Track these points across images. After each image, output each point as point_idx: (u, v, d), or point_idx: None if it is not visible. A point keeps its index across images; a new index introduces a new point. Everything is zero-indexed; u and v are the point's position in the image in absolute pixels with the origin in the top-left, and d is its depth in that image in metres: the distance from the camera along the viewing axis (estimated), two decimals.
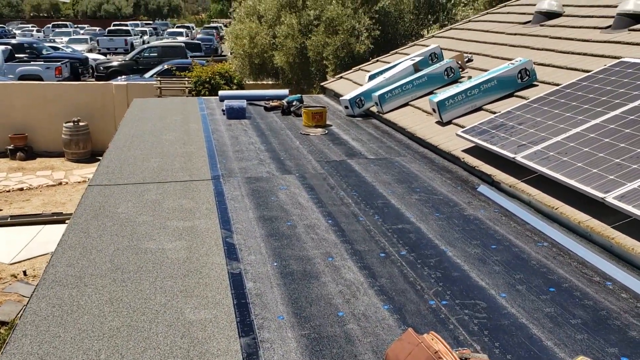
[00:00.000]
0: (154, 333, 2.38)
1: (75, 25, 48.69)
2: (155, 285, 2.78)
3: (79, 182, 11.70)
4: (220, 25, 49.26)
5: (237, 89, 12.34)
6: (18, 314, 6.56)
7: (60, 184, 11.64)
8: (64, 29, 40.93)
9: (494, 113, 5.19)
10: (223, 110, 7.07)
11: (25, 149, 13.18)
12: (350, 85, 8.43)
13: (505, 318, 2.50)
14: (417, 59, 7.09)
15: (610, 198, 3.14)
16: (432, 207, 3.85)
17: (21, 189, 11.22)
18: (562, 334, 2.38)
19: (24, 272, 7.52)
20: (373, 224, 3.58)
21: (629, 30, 5.79)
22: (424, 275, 2.90)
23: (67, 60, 21.10)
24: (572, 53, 5.83)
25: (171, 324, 2.46)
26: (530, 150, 3.99)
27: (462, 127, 5.24)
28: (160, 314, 2.53)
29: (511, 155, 4.04)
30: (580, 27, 6.55)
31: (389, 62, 8.49)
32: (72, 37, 35.36)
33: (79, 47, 30.51)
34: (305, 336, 2.37)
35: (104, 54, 30.37)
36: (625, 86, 4.36)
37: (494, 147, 4.26)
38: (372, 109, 6.90)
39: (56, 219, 9.27)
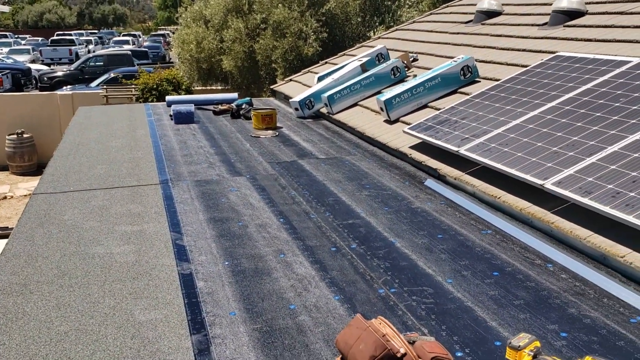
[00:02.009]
0: (103, 335, 2.35)
1: (16, 36, 47.10)
2: (103, 289, 2.74)
3: (25, 196, 11.34)
4: (168, 32, 48.61)
5: (185, 94, 12.22)
6: None
7: (5, 197, 11.25)
8: (3, 40, 39.54)
9: (439, 109, 5.32)
10: (171, 116, 7.00)
11: None
12: (299, 87, 8.48)
13: (451, 302, 2.58)
14: (365, 59, 7.20)
15: (549, 184, 3.28)
16: (381, 202, 3.92)
17: None
18: (505, 314, 2.48)
19: None
20: (324, 221, 3.62)
21: (564, 26, 6.04)
22: (374, 266, 2.95)
23: (8, 71, 20.40)
24: (512, 49, 6.05)
25: (121, 325, 2.43)
26: (473, 143, 4.12)
27: (409, 124, 5.35)
28: (109, 317, 2.49)
29: (455, 148, 4.16)
30: (519, 25, 6.79)
31: (337, 64, 8.58)
32: (13, 47, 34.20)
33: (21, 58, 29.53)
34: (257, 330, 2.39)
35: (48, 64, 29.52)
36: (561, 79, 4.55)
37: (439, 142, 4.38)
38: (322, 110, 6.96)
39: (2, 233, 8.95)
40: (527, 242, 3.21)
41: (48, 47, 34.24)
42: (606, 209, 2.89)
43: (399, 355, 1.97)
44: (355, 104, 6.63)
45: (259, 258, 3.08)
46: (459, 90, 5.65)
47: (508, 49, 6.11)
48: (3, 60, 25.35)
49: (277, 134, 6.17)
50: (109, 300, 2.63)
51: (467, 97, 5.11)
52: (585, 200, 3.01)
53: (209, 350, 2.25)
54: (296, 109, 7.09)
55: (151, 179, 4.49)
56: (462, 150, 4.08)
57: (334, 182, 4.42)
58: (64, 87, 17.27)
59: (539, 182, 3.34)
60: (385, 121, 5.74)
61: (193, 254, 3.13)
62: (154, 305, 2.59)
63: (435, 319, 2.44)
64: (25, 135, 12.69)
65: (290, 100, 7.33)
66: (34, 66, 25.35)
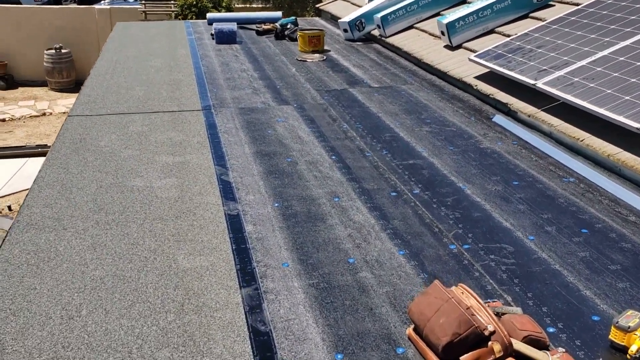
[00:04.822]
0: (143, 284, 2.11)
1: None
2: (143, 229, 2.48)
3: (64, 113, 11.24)
4: None
5: (225, 12, 11.68)
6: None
7: (44, 114, 11.18)
8: None
9: (509, 36, 4.78)
10: (212, 35, 6.59)
11: (5, 78, 12.58)
12: (348, 6, 7.89)
13: (536, 264, 2.24)
14: None
15: None
16: (445, 140, 3.53)
17: (3, 120, 10.77)
18: (601, 281, 2.13)
19: (9, 207, 7.23)
20: (381, 160, 3.26)
21: None
22: (442, 216, 2.62)
23: None
24: None
25: (162, 272, 2.18)
26: (553, 76, 3.64)
27: (474, 51, 4.84)
28: (150, 262, 2.25)
29: (531, 81, 3.69)
30: None
31: None
32: None
33: None
34: (314, 286, 2.11)
35: None
36: None
37: (512, 73, 3.90)
38: (373, 32, 6.44)
39: (41, 151, 8.89)
40: (616, 194, 2.82)
41: None
42: None
43: (486, 333, 1.66)
44: (410, 27, 6.09)
45: (312, 201, 2.77)
46: (531, 14, 5.07)
47: None
48: None
49: (324, 57, 5.72)
50: (150, 242, 2.38)
51: (543, 22, 4.54)
52: None
53: (261, 308, 1.98)
54: (345, 31, 6.57)
55: (193, 104, 4.17)
56: (540, 84, 3.61)
57: (390, 114, 4.02)
58: (102, 1, 16.81)
59: (635, 125, 2.89)
60: (446, 47, 5.23)
61: (240, 192, 2.84)
62: (199, 250, 2.33)
63: (519, 284, 2.11)
64: (63, 51, 12.45)
65: (339, 20, 6.80)
66: None
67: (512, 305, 1.98)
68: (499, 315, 1.82)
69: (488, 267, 2.22)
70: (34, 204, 2.68)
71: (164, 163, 3.15)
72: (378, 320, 1.92)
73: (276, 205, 2.72)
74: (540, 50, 4.04)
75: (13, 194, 7.68)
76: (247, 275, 2.17)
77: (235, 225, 2.53)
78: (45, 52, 12.37)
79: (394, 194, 2.84)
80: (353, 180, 3.00)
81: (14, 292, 2.05)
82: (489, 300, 1.96)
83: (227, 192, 2.84)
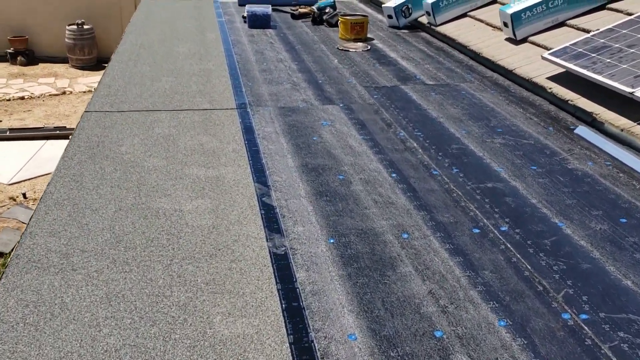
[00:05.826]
0: None
1: None
2: (171, 272, 2.00)
3: (84, 92, 10.82)
4: None
5: None
6: (17, 244, 5.95)
7: (64, 93, 10.77)
8: None
9: (584, 30, 4.18)
10: (244, 17, 6.05)
11: (26, 53, 12.18)
12: None
13: None
14: None
15: None
16: (525, 157, 2.99)
17: (22, 98, 10.38)
18: None
19: (24, 195, 6.84)
20: (453, 181, 2.73)
21: None
22: (542, 267, 2.09)
23: None
24: None
25: (195, 343, 1.69)
26: None
27: (541, 46, 4.25)
28: (179, 325, 1.76)
29: (628, 89, 3.11)
30: None
31: None
32: None
33: None
34: None
35: None
36: None
37: (600, 77, 3.32)
38: (420, 19, 5.84)
39: (59, 133, 8.50)
40: None
41: None
42: None
43: None
44: (464, 15, 5.49)
45: (374, 237, 2.26)
46: (609, 5, 4.45)
47: None
48: None
49: (368, 47, 5.16)
50: (178, 294, 1.89)
51: (629, 17, 3.93)
52: None
53: None
54: (389, 17, 5.99)
55: (226, 101, 3.66)
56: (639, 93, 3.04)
57: (453, 120, 3.48)
58: None
59: None
60: (508, 39, 4.64)
61: (286, 220, 2.34)
62: (240, 307, 1.84)
63: None
64: (85, 27, 11.99)
65: (383, 5, 6.20)
66: None
67: None
68: None
69: (620, 352, 1.69)
70: (38, 232, 2.21)
71: (195, 177, 2.66)
72: None
73: (331, 241, 2.21)
74: (632, 51, 3.44)
75: (29, 179, 7.29)
76: (304, 353, 1.67)
77: (283, 269, 2.03)
78: (67, 27, 11.92)
79: (477, 230, 2.32)
80: (422, 208, 2.48)
81: None
82: None
83: (271, 220, 2.34)
